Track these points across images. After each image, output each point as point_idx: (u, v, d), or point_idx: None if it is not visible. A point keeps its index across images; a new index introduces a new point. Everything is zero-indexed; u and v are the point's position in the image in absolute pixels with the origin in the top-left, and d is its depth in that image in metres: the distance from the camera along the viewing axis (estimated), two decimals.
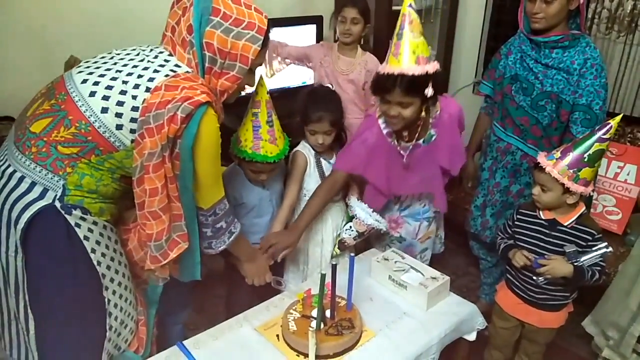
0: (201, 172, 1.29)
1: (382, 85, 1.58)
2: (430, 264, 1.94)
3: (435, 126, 1.73)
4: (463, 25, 3.15)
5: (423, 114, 1.62)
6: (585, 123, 1.86)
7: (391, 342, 1.48)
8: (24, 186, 1.19)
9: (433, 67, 1.55)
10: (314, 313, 1.46)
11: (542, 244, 1.70)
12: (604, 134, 1.54)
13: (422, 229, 1.95)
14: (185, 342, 1.46)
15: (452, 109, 1.75)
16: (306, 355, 1.37)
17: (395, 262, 1.76)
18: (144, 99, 1.19)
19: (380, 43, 2.64)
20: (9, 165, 1.22)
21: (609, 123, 1.54)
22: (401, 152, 1.75)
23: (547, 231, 1.69)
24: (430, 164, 1.78)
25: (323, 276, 1.38)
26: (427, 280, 1.65)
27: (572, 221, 1.66)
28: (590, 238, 1.64)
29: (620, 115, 1.58)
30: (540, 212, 1.71)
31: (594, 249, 1.62)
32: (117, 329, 1.36)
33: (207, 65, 1.27)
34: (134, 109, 1.20)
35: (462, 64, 3.26)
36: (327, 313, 1.49)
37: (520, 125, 1.99)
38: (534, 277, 1.68)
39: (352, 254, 1.51)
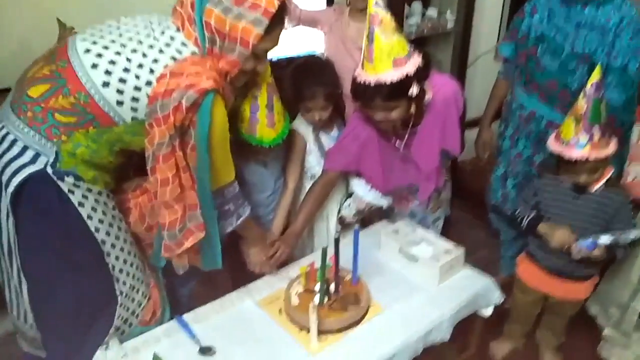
0: (211, 156, 1.25)
1: (361, 94, 1.49)
2: (446, 234, 1.84)
3: (429, 112, 1.62)
4: None
5: (413, 108, 1.52)
6: (620, 88, 1.71)
7: (400, 317, 1.41)
8: (15, 149, 1.18)
9: (413, 65, 1.44)
10: (318, 287, 1.40)
11: (568, 212, 1.61)
12: (596, 92, 1.46)
13: (432, 200, 1.85)
14: (184, 316, 1.43)
15: (447, 91, 1.62)
16: (309, 330, 1.31)
17: (406, 234, 1.68)
18: (147, 81, 1.17)
19: (396, 7, 2.49)
20: (2, 127, 1.21)
21: (592, 81, 1.46)
22: (397, 142, 1.67)
23: (573, 197, 1.60)
24: (428, 148, 1.68)
25: (324, 249, 1.31)
26: (439, 253, 1.57)
27: (601, 186, 1.56)
28: (619, 203, 1.56)
29: (599, 65, 1.50)
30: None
31: (628, 235, 1.53)
32: (128, 294, 1.35)
33: (207, 45, 1.22)
34: (137, 88, 1.17)
35: (483, 28, 3.08)
36: (332, 287, 1.42)
37: (546, 90, 1.85)
38: (571, 252, 1.58)
39: (357, 227, 1.43)
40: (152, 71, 1.17)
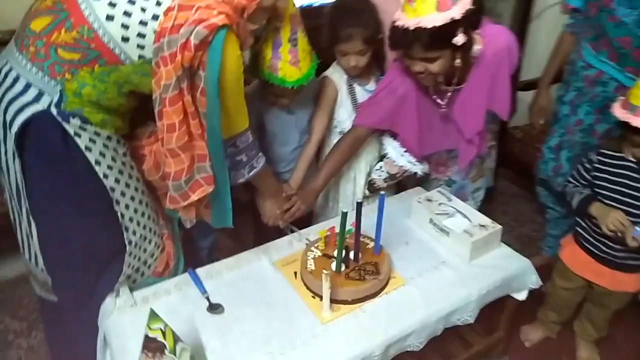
0: (222, 102, 1.15)
1: (399, 41, 1.31)
2: (487, 206, 1.69)
3: (477, 66, 1.42)
4: None
5: (458, 61, 1.34)
6: None
7: (422, 293, 1.31)
8: (18, 87, 1.12)
9: (461, 8, 1.24)
10: (336, 253, 1.31)
11: (629, 191, 1.41)
12: None
13: (473, 167, 1.68)
14: (197, 271, 1.38)
15: (500, 42, 1.42)
16: (322, 298, 1.23)
17: (440, 204, 1.54)
18: (154, 15, 1.05)
19: None
20: (6, 63, 1.15)
21: None
22: (438, 100, 1.49)
23: (637, 175, 1.40)
24: (473, 109, 1.49)
25: (344, 213, 1.21)
26: (473, 227, 1.44)
27: None
28: None
29: None
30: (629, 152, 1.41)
31: None
32: (138, 244, 1.31)
33: None
34: (142, 23, 1.07)
35: None
36: (352, 255, 1.33)
37: (619, 47, 1.60)
38: (626, 241, 1.40)
39: (383, 193, 1.31)
40: (159, 3, 1.05)
